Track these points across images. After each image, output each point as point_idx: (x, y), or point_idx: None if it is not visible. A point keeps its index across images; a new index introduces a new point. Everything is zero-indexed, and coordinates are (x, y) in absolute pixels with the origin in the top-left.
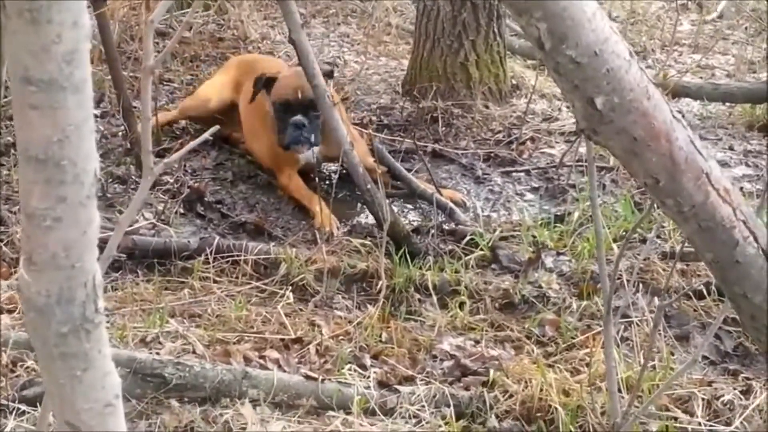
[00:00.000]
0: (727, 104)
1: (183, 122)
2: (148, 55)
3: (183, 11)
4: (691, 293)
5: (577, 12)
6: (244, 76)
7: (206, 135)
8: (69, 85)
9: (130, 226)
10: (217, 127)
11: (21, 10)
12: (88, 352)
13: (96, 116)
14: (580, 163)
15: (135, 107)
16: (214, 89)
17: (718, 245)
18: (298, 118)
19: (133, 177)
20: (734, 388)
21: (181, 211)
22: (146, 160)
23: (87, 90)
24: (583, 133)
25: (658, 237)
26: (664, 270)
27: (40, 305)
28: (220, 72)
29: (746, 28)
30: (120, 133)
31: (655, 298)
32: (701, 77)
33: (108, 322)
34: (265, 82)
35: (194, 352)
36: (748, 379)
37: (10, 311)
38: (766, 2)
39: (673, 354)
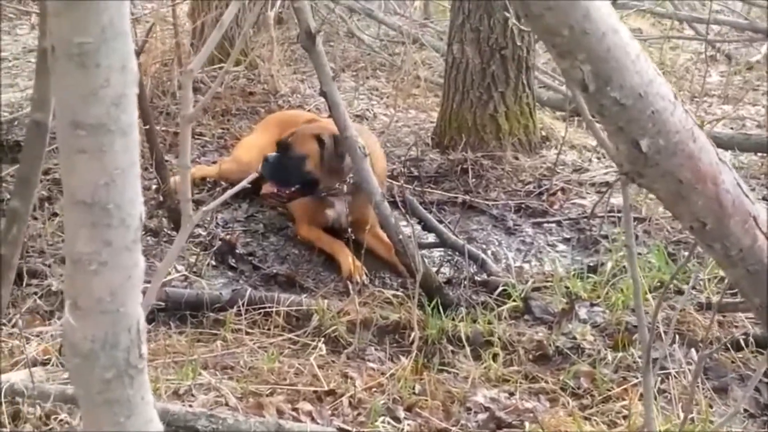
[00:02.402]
0: (759, 155)
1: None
2: (186, 104)
3: (214, 66)
4: (728, 345)
5: (620, 54)
6: (282, 131)
7: (244, 183)
8: (116, 128)
9: (164, 278)
10: (255, 174)
11: (70, 54)
12: (131, 398)
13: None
14: (612, 214)
15: (167, 161)
16: (255, 151)
17: (767, 290)
18: (272, 154)
19: (165, 230)
20: None
21: (213, 263)
22: (185, 208)
23: (134, 134)
24: (627, 176)
25: (694, 288)
26: (700, 321)
27: (85, 351)
28: (258, 131)
29: None
30: (153, 187)
31: (692, 350)
32: (732, 128)
33: None
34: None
35: (227, 404)
36: None
37: (44, 363)
38: None
39: (711, 407)
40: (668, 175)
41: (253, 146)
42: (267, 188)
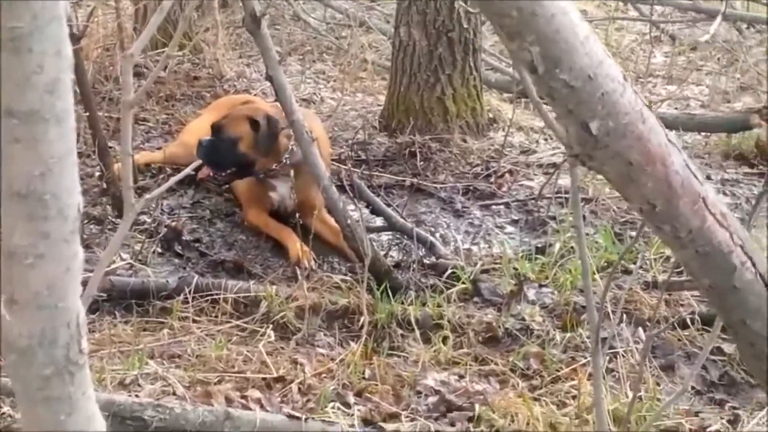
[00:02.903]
0: (703, 134)
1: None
2: (127, 90)
3: (157, 51)
4: (675, 323)
5: (570, 35)
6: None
7: (188, 170)
8: (51, 116)
9: (108, 266)
10: (199, 162)
11: (5, 41)
12: (72, 395)
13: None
14: (559, 195)
15: (111, 147)
16: (201, 134)
17: (716, 271)
18: (205, 137)
19: (110, 218)
20: (721, 418)
21: (159, 250)
22: (127, 196)
23: (69, 121)
24: (577, 159)
25: (641, 267)
26: (647, 300)
27: (22, 347)
28: (204, 114)
29: (719, 59)
30: (96, 174)
31: (640, 329)
32: (676, 108)
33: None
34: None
35: (174, 393)
36: (734, 408)
37: None
38: (737, 33)
39: (659, 384)
40: (618, 157)
41: (199, 130)
42: (203, 172)
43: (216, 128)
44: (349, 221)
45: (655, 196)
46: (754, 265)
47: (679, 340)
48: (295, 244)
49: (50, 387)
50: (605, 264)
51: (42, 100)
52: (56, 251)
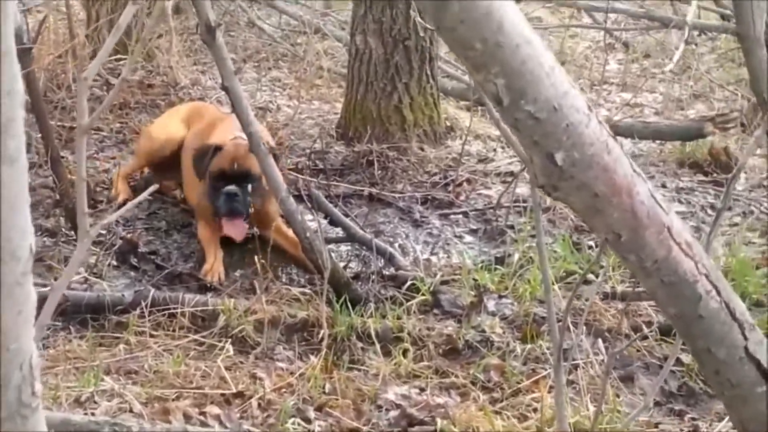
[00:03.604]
0: (658, 142)
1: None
2: (82, 114)
3: (110, 58)
4: (633, 333)
5: (535, 66)
6: (193, 119)
7: (144, 195)
8: (4, 156)
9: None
10: (156, 186)
11: None
12: None
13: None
14: (517, 204)
15: (63, 157)
16: (170, 129)
17: (681, 300)
18: (232, 187)
19: (63, 230)
20: (681, 429)
21: (114, 263)
22: (82, 222)
23: (21, 161)
24: (543, 190)
25: (600, 278)
26: (606, 311)
27: None
28: (166, 115)
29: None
30: (49, 184)
31: (599, 340)
32: (631, 116)
33: (40, 382)
34: (213, 152)
35: (131, 410)
36: (693, 419)
37: None
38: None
39: (618, 396)
40: (584, 188)
41: (166, 124)
42: (238, 232)
43: (239, 174)
44: (307, 233)
45: (621, 226)
46: (719, 293)
47: (637, 351)
48: (210, 259)
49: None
50: (564, 274)
51: None
52: (8, 295)
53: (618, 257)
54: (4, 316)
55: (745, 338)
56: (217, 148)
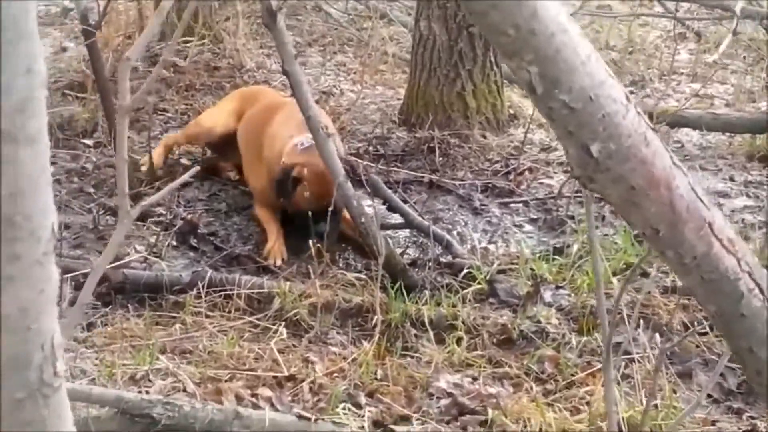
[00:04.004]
0: (727, 134)
1: (177, 155)
2: (124, 95)
3: (179, 40)
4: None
5: (570, 55)
6: (246, 105)
7: (185, 177)
8: (23, 136)
9: (121, 259)
10: (197, 168)
11: None
12: (46, 419)
13: (89, 146)
14: (579, 194)
15: (128, 137)
16: (219, 117)
17: (722, 298)
18: (322, 225)
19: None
20: (738, 428)
21: (174, 243)
22: (122, 203)
23: (42, 141)
24: (578, 181)
25: (659, 271)
26: (665, 305)
27: None
28: (223, 101)
29: (744, 58)
30: (113, 164)
31: (657, 335)
32: (700, 107)
33: (97, 358)
34: (293, 181)
35: (185, 390)
36: (752, 418)
37: None
38: (765, 32)
39: (675, 392)
40: (620, 180)
41: (217, 112)
42: None
43: (325, 210)
44: (363, 219)
45: (659, 220)
46: (762, 292)
47: (696, 346)
48: (272, 240)
49: (23, 411)
50: (624, 266)
51: (12, 120)
52: (28, 274)
53: (657, 253)
54: (24, 295)
55: None
56: (297, 180)
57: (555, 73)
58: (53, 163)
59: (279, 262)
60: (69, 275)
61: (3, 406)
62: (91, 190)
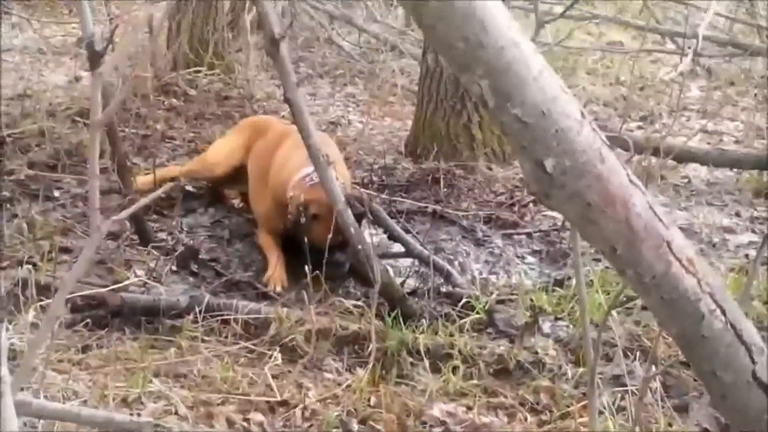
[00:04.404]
0: (735, 170)
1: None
2: (95, 110)
3: (189, 70)
4: (683, 362)
5: (521, 69)
6: (255, 136)
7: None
8: None
9: (121, 282)
10: (174, 183)
11: None
12: None
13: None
14: None
15: (135, 164)
16: (223, 154)
17: (683, 319)
18: (338, 255)
19: (127, 233)
20: None
21: (174, 268)
22: (93, 217)
23: None
24: (535, 197)
25: None
26: (664, 338)
27: None
28: (231, 133)
29: (755, 95)
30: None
31: (653, 367)
32: (709, 143)
33: (90, 380)
34: (311, 217)
35: (176, 413)
36: None
37: None
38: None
39: (671, 425)
40: (576, 197)
41: (222, 148)
42: None
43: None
44: (362, 246)
45: (616, 238)
46: (723, 313)
47: (694, 380)
48: (273, 267)
49: None
50: (625, 299)
51: None
52: None
53: (617, 272)
54: None
55: (753, 362)
56: (314, 216)
57: (506, 87)
58: (59, 188)
59: (279, 289)
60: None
61: None
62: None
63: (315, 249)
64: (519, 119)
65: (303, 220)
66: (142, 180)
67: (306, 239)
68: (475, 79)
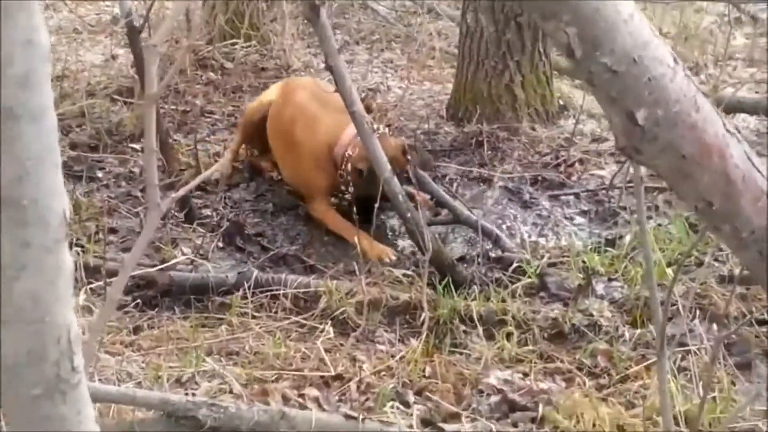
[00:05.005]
0: None
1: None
2: (150, 83)
3: (225, 42)
4: (752, 320)
5: (611, 13)
6: (282, 90)
7: (212, 170)
8: (25, 112)
9: (168, 261)
10: (220, 163)
11: None
12: (65, 415)
13: (137, 150)
14: (631, 185)
15: (176, 140)
16: (262, 97)
17: None
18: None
19: (173, 211)
20: None
21: (220, 245)
22: (152, 194)
23: (48, 118)
24: (623, 153)
25: (716, 260)
26: (722, 295)
27: (8, 365)
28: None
29: None
30: (160, 167)
31: (714, 326)
32: (757, 92)
33: (143, 362)
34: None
35: (231, 391)
36: None
37: None
38: None
39: (734, 384)
40: (669, 149)
41: (260, 96)
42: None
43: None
44: (410, 214)
45: (712, 192)
46: None
47: (756, 336)
48: (371, 243)
49: (40, 407)
50: (679, 256)
51: (15, 95)
52: (39, 262)
53: (710, 229)
54: (36, 285)
55: None
56: (359, 171)
57: (595, 33)
58: (101, 168)
59: (393, 258)
60: (114, 278)
61: (19, 402)
62: (139, 194)
63: (368, 206)
64: (609, 68)
65: (361, 176)
66: (226, 164)
67: (361, 196)
68: (561, 26)
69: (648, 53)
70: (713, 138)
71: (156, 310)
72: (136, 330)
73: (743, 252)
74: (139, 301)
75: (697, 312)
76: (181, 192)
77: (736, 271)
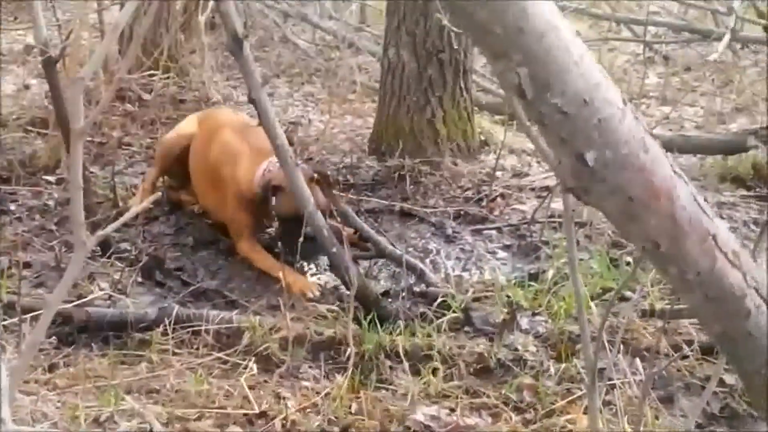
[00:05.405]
0: (699, 156)
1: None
2: (77, 118)
3: (142, 72)
4: (673, 353)
5: (562, 54)
6: (202, 123)
7: (145, 204)
8: None
9: (85, 296)
10: (158, 195)
11: None
12: None
13: (51, 182)
14: (552, 219)
15: (92, 172)
16: (180, 127)
17: (728, 316)
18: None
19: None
20: None
21: (139, 279)
22: (77, 232)
23: None
24: (572, 193)
25: (639, 294)
26: (644, 329)
27: None
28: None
29: (713, 80)
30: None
31: (637, 360)
32: (670, 129)
33: (59, 401)
34: (273, 189)
35: (152, 431)
36: None
37: None
38: (731, 53)
39: (657, 418)
40: (617, 191)
41: (177, 127)
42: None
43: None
44: (334, 249)
45: (659, 234)
46: None
47: (678, 370)
48: (295, 277)
49: None
50: (600, 291)
51: None
52: None
53: (657, 270)
54: None
55: None
56: (276, 188)
57: (546, 74)
58: (14, 201)
59: (317, 293)
60: (30, 315)
61: None
62: (53, 227)
63: (287, 232)
64: (559, 109)
65: (269, 195)
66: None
67: (276, 216)
68: (512, 67)
69: (599, 94)
70: (661, 181)
71: (73, 347)
72: (52, 368)
73: (689, 294)
74: (54, 337)
75: (621, 347)
76: (109, 230)
77: (657, 306)
